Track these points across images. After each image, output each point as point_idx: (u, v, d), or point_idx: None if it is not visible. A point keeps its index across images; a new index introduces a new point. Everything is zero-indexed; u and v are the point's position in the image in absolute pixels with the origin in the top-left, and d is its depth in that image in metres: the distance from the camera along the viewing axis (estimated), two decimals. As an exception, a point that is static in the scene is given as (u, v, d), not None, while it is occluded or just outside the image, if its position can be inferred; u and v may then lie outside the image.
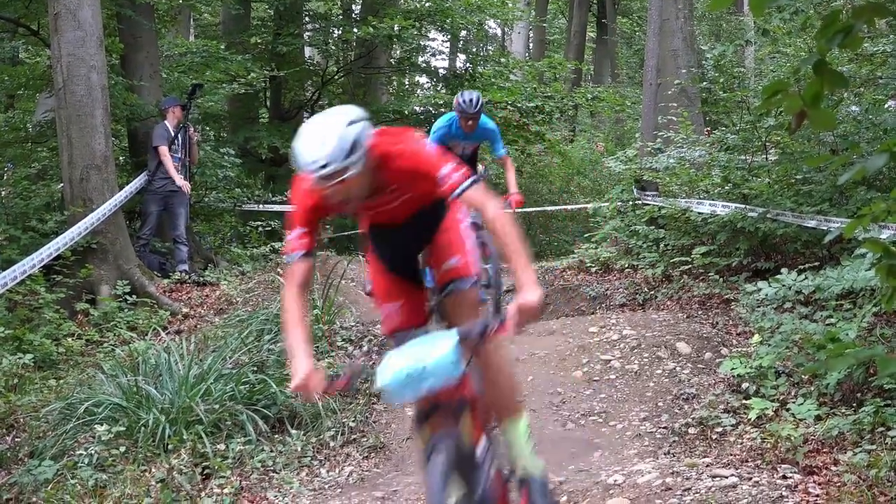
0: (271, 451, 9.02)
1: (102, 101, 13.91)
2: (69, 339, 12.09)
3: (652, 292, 13.78)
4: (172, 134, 15.72)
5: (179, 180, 15.60)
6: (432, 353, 5.20)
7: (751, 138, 13.76)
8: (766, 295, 10.20)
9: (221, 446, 8.83)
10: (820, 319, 9.68)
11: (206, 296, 14.26)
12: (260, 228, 17.93)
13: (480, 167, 13.22)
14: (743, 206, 12.96)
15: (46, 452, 8.93)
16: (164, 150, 15.59)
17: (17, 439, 9.59)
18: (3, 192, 15.12)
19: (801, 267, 10.72)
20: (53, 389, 10.56)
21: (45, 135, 17.48)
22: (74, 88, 13.69)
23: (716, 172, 14.20)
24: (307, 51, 27.40)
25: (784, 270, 10.37)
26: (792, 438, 7.77)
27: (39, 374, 11.12)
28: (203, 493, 8.09)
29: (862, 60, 13.39)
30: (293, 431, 9.45)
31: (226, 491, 8.04)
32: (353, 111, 5.31)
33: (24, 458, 9.08)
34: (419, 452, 5.77)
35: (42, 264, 12.31)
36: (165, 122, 15.77)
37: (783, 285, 10.08)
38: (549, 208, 23.92)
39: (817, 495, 6.65)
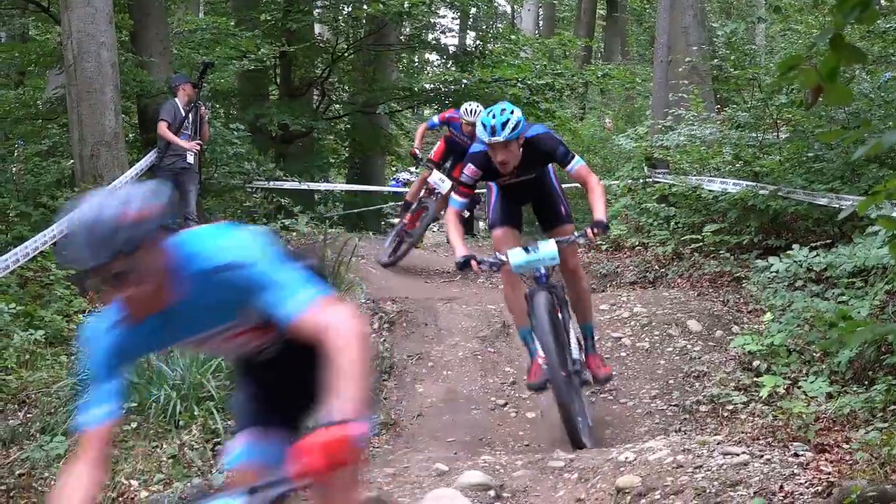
0: (282, 428, 9.01)
1: (112, 77, 13.89)
2: (80, 316, 12.10)
3: (663, 270, 13.75)
4: (182, 112, 15.68)
5: (186, 143, 15.50)
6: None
7: (762, 116, 13.74)
8: (778, 271, 10.19)
9: (233, 422, 8.84)
10: (832, 297, 9.67)
11: (217, 273, 14.23)
12: (268, 205, 17.94)
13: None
14: (754, 183, 12.93)
15: (58, 428, 8.95)
16: (162, 125, 15.53)
17: (28, 415, 9.61)
18: (14, 169, 15.11)
19: (813, 244, 10.71)
20: (65, 365, 10.57)
21: (55, 111, 17.48)
22: (84, 65, 13.67)
23: (727, 150, 14.18)
24: (317, 28, 27.33)
25: (795, 246, 10.34)
26: (803, 416, 7.76)
27: (51, 350, 11.12)
28: (214, 469, 8.10)
29: (874, 38, 13.35)
30: (304, 408, 9.46)
31: (237, 467, 8.04)
32: None
33: (35, 434, 9.10)
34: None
35: (53, 241, 12.32)
36: (175, 99, 15.73)
37: (794, 261, 10.06)
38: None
39: (829, 473, 6.64)
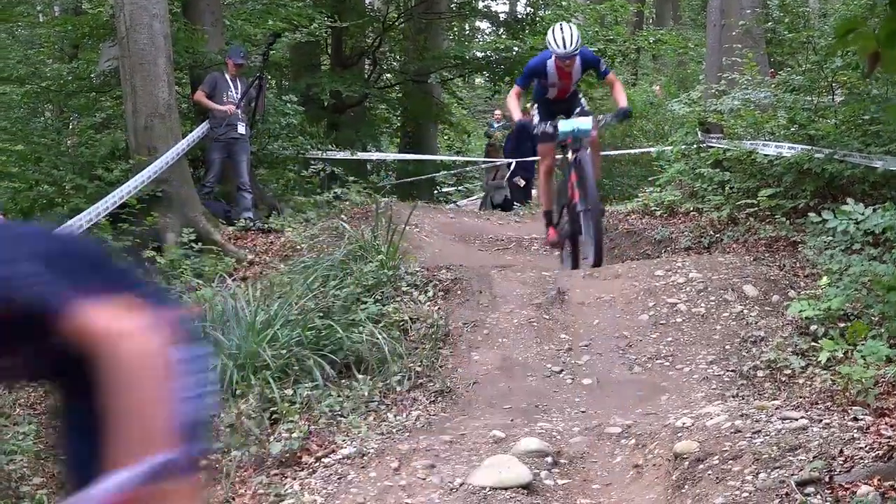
0: (338, 396, 9.04)
1: (165, 49, 13.94)
2: (136, 288, 12.16)
3: (718, 235, 13.66)
4: (230, 84, 15.70)
5: (220, 106, 15.52)
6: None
7: (817, 79, 13.58)
8: (833, 228, 10.03)
9: (289, 391, 8.88)
10: (889, 260, 9.57)
11: (271, 243, 14.30)
12: (322, 175, 17.96)
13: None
14: (809, 147, 12.81)
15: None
16: (198, 93, 15.63)
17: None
18: (69, 142, 15.24)
19: (872, 207, 10.60)
20: (122, 336, 10.63)
21: (108, 84, 17.56)
22: (137, 37, 13.72)
23: (781, 114, 14.04)
24: (367, -4, 27.37)
25: (850, 200, 10.11)
26: (863, 380, 7.70)
27: (108, 322, 11.20)
28: (272, 438, 8.13)
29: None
30: (360, 376, 9.48)
31: (294, 435, 8.08)
32: None
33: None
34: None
35: (108, 212, 12.40)
36: (225, 73, 15.77)
37: (850, 219, 9.89)
38: (612, 152, 23.74)
39: (889, 437, 6.58)
